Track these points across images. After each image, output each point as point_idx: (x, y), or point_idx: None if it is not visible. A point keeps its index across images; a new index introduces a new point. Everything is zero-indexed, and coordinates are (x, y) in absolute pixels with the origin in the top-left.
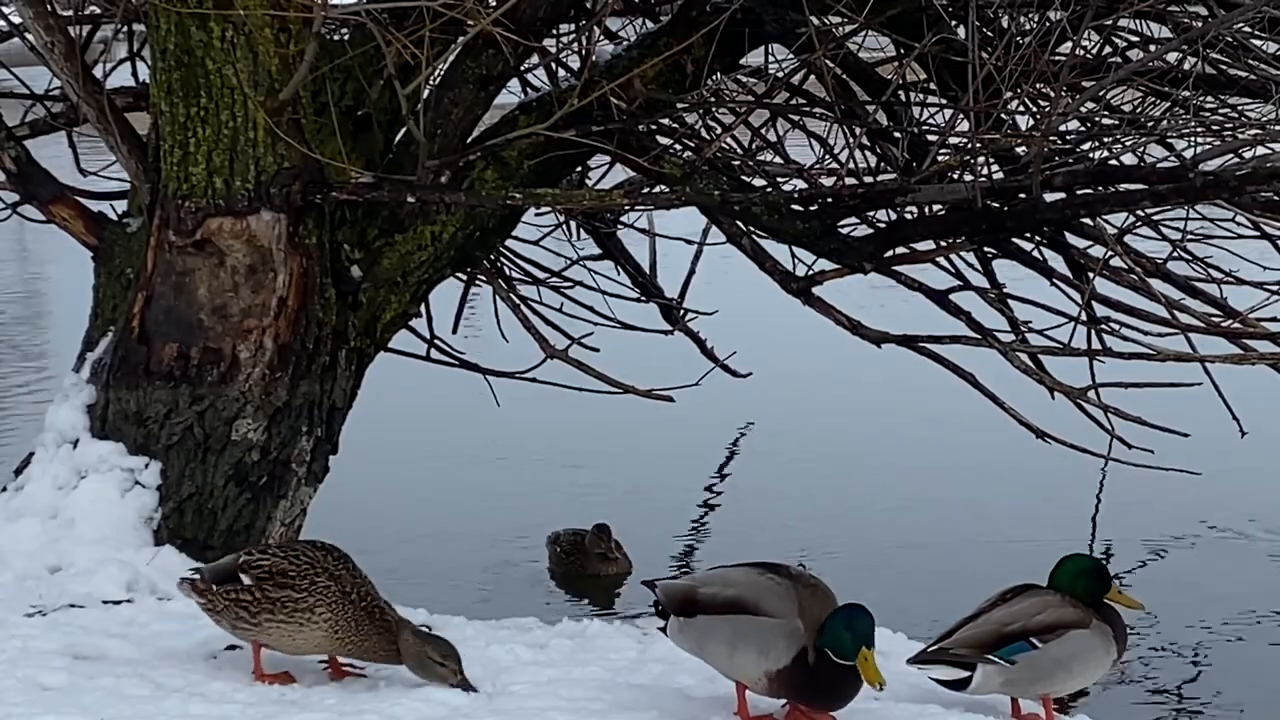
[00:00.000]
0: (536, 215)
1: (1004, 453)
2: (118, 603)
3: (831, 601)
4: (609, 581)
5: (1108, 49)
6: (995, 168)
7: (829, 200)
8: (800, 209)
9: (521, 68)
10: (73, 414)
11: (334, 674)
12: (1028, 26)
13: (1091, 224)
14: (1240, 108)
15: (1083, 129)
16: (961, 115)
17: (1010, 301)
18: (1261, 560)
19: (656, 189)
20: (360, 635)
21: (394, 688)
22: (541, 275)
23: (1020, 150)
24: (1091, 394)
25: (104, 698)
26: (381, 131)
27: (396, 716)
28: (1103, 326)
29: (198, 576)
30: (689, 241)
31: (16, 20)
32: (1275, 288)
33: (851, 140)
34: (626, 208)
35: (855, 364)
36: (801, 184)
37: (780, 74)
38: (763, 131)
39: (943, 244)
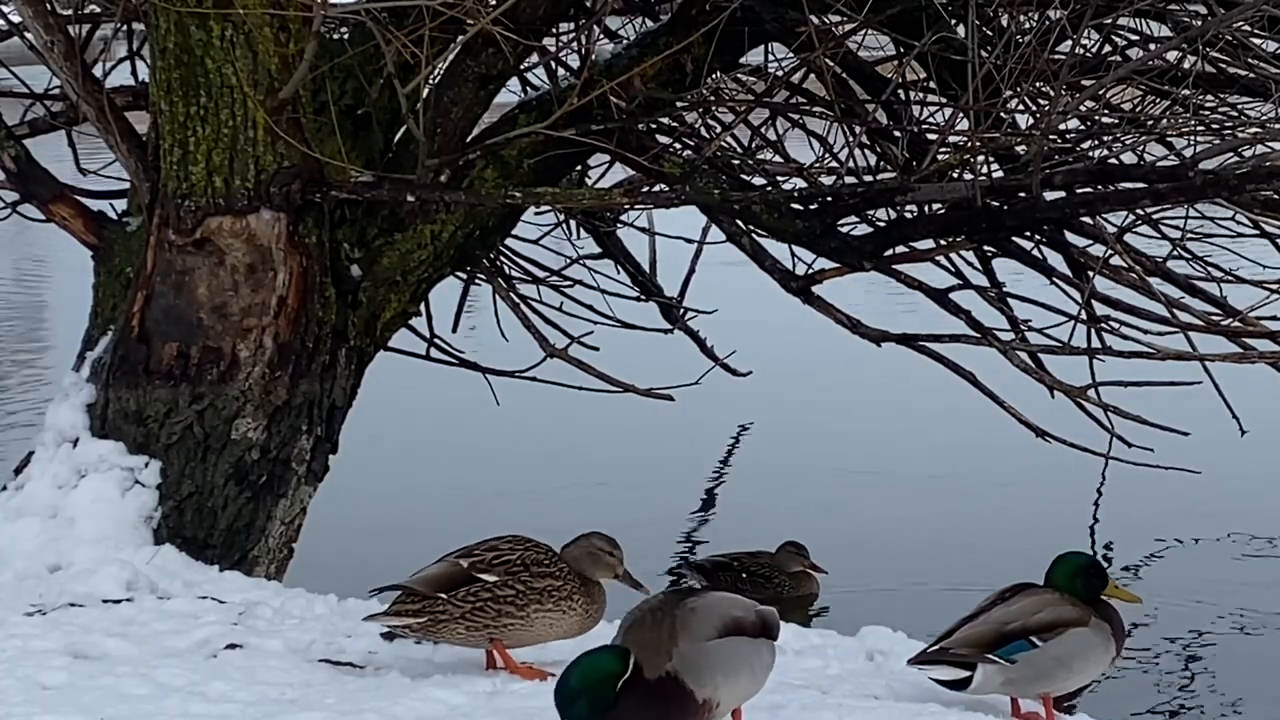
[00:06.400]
0: (536, 214)
1: (1003, 451)
2: (117, 602)
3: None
4: (807, 601)
5: (1107, 48)
6: (995, 166)
7: (829, 199)
8: (800, 208)
9: (521, 67)
10: (73, 413)
11: (490, 665)
12: (1027, 25)
13: (1091, 223)
14: (1240, 106)
15: (1082, 128)
16: (961, 114)
17: (1010, 300)
18: (1262, 560)
19: (656, 188)
20: (592, 601)
21: (394, 686)
22: (541, 274)
23: (1020, 149)
24: (1091, 393)
25: (104, 697)
26: (381, 130)
27: (396, 715)
28: (1102, 325)
29: (396, 599)
30: (689, 241)
31: (16, 19)
32: (1275, 286)
33: (851, 139)
34: (626, 207)
35: (855, 363)
36: (801, 183)
37: (780, 73)
38: (762, 130)
39: (942, 243)
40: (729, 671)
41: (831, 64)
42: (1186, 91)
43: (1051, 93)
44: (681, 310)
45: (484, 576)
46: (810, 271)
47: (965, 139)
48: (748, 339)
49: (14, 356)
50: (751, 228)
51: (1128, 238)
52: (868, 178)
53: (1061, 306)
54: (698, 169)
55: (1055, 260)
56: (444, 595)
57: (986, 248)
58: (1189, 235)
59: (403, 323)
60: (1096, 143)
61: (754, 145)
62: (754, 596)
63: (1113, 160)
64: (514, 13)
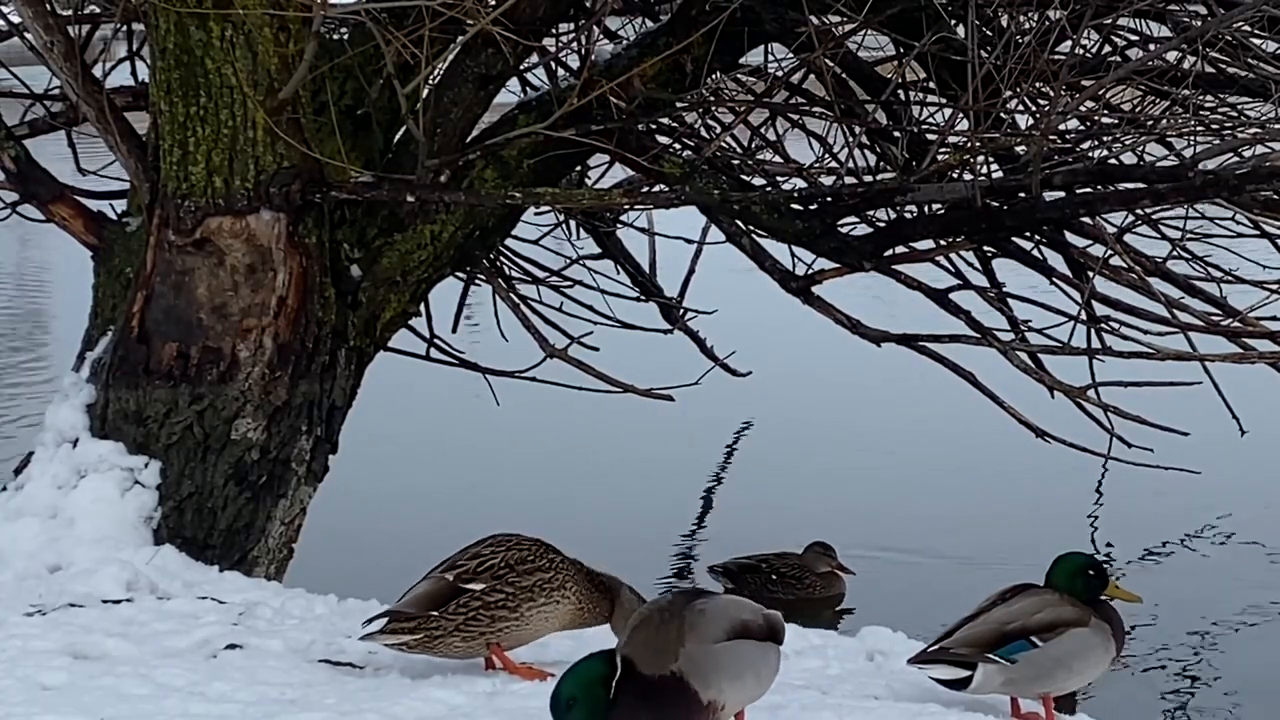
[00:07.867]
0: (536, 214)
1: (1004, 452)
2: (117, 602)
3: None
4: (835, 602)
5: (1107, 48)
6: (995, 167)
7: (829, 199)
8: (800, 208)
9: (521, 67)
10: (72, 413)
11: (490, 666)
12: (1027, 25)
13: (1091, 223)
14: (1240, 106)
15: (1082, 128)
16: (961, 114)
17: (1010, 300)
18: (1261, 560)
19: (656, 188)
20: (591, 602)
21: (394, 686)
22: (541, 274)
23: (1020, 149)
24: (1091, 393)
25: (104, 697)
26: (381, 131)
27: (396, 715)
28: (1102, 325)
29: (388, 620)
30: (689, 241)
31: (16, 20)
32: (1275, 287)
33: (851, 139)
34: (626, 207)
35: (855, 363)
36: (801, 183)
37: (780, 73)
38: (762, 130)
39: (942, 243)
40: (735, 674)
41: (831, 64)
42: (1186, 91)
43: (1051, 93)
44: (681, 310)
45: (471, 586)
46: (810, 272)
47: (965, 139)
48: (748, 339)
49: (14, 357)
50: (751, 228)
51: (1127, 238)
52: (868, 178)
53: (1061, 307)
54: (698, 169)
55: (1055, 261)
56: (435, 613)
57: (986, 248)
58: (1189, 235)
59: (403, 323)
60: (1096, 143)
61: (754, 145)
62: (785, 598)
63: (1113, 160)
64: (514, 13)
